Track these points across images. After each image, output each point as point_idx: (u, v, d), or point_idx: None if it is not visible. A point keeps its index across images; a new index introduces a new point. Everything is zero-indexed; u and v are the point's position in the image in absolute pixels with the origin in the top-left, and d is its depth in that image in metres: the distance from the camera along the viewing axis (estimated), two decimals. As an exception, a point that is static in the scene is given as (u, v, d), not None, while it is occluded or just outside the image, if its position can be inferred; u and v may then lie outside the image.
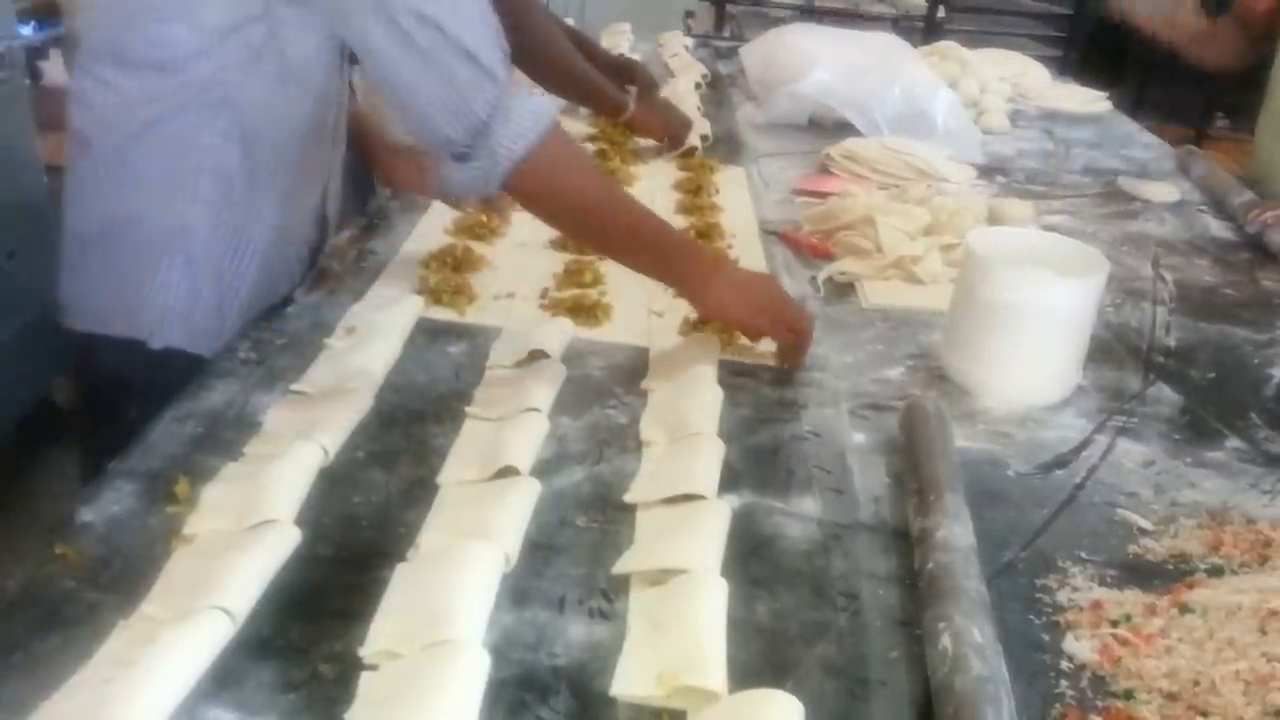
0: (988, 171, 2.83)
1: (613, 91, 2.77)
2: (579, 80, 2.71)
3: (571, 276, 1.89)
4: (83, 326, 1.68)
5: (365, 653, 1.01)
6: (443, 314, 1.74)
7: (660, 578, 1.13)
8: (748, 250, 2.11)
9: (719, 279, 1.61)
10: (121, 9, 1.53)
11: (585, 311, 1.76)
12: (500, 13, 1.80)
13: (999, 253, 1.62)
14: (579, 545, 1.21)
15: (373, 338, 1.59)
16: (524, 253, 2.02)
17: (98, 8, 1.58)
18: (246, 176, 1.61)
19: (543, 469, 1.34)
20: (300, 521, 1.18)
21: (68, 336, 1.70)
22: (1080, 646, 1.10)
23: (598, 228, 1.63)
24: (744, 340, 1.69)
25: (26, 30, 3.57)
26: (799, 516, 1.29)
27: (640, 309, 1.81)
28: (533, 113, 1.50)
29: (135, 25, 1.51)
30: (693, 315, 1.75)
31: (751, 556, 1.21)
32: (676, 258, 1.62)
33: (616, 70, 2.95)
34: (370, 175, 2.24)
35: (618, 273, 1.93)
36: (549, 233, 2.07)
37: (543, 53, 2.58)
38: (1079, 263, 1.61)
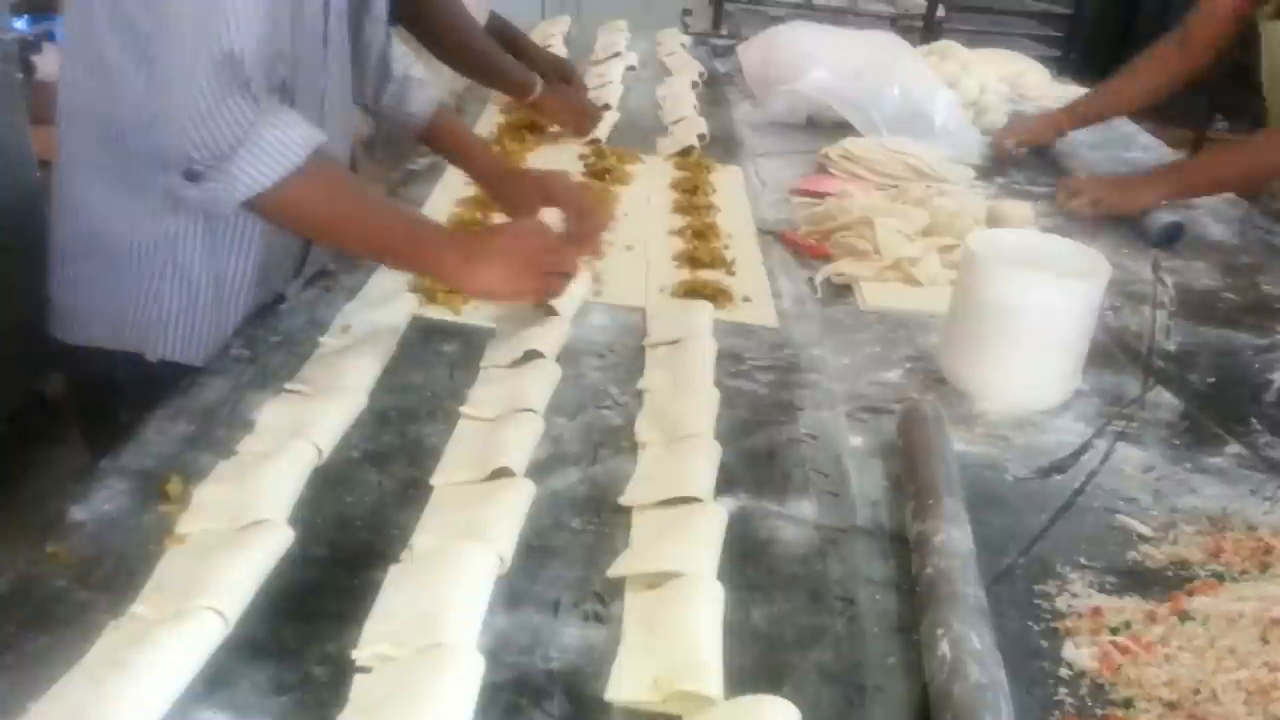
0: (986, 172, 2.82)
1: (519, 73, 2.77)
2: (482, 59, 2.72)
3: (568, 275, 1.88)
4: (74, 339, 1.67)
5: (358, 655, 1.00)
6: (437, 313, 1.73)
7: (656, 581, 1.12)
8: (744, 250, 2.10)
9: (475, 263, 1.56)
10: (98, 8, 1.48)
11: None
12: None
13: (998, 254, 1.61)
14: (574, 548, 1.21)
15: (367, 336, 1.58)
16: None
17: (73, 13, 1.54)
18: None
19: (537, 470, 1.33)
20: (293, 521, 1.17)
21: (59, 344, 1.69)
22: (1079, 654, 1.09)
23: (337, 245, 1.70)
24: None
25: (20, 24, 3.56)
26: (795, 520, 1.29)
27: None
28: (285, 145, 1.43)
29: (108, 28, 1.47)
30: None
31: (747, 560, 1.20)
32: (430, 256, 1.58)
33: (551, 67, 3.01)
34: None
35: (615, 273, 1.93)
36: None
37: (446, 30, 2.60)
38: (1079, 265, 1.60)
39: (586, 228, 1.82)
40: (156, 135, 1.42)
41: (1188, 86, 2.87)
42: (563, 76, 3.03)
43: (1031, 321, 1.56)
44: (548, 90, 2.79)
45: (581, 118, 2.83)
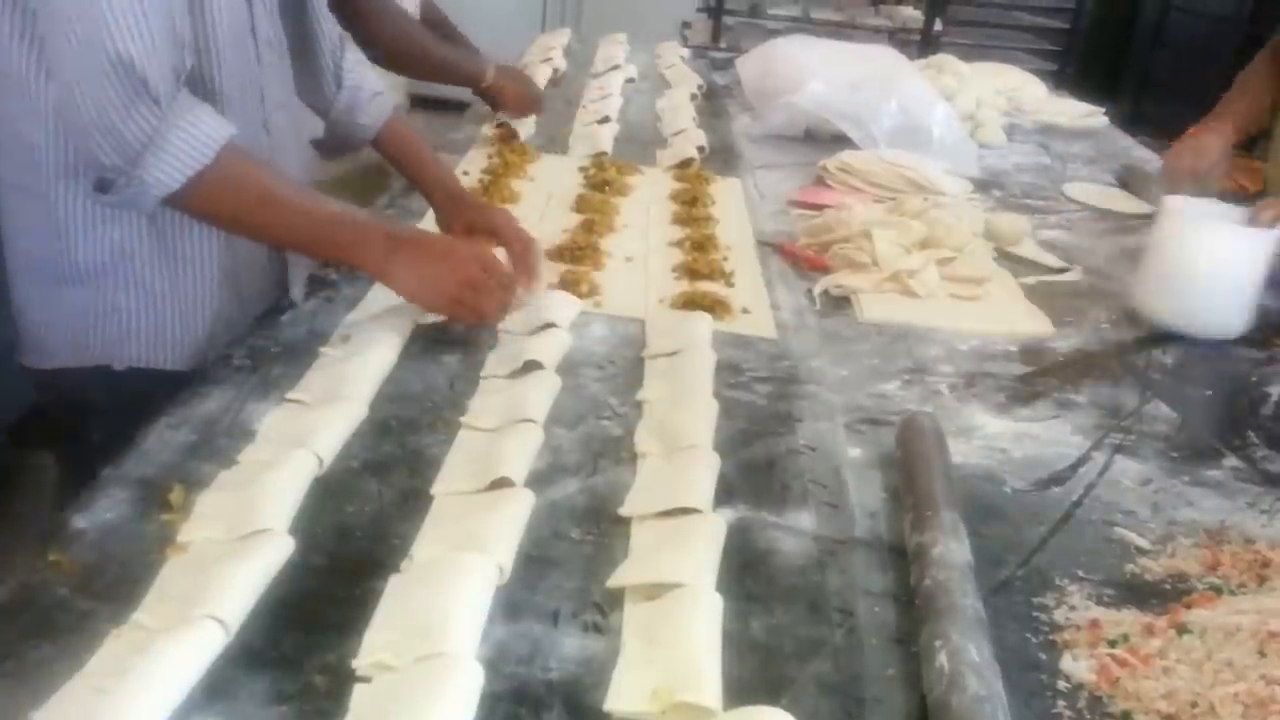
0: (984, 185, 2.83)
1: (468, 63, 2.77)
2: (425, 56, 2.70)
3: (568, 286, 1.88)
4: (44, 364, 1.65)
5: (358, 665, 1.00)
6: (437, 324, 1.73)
7: (655, 592, 1.12)
8: (743, 262, 2.11)
9: (399, 258, 1.58)
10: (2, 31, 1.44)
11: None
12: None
13: (1195, 214, 2.06)
14: (573, 558, 1.21)
15: (368, 346, 1.58)
16: (520, 262, 2.02)
17: None
18: None
19: (537, 480, 1.33)
20: (294, 531, 1.18)
21: (32, 375, 1.67)
22: (1078, 666, 1.09)
23: (259, 237, 1.64)
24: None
25: None
26: (794, 531, 1.29)
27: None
28: (191, 145, 1.41)
29: (15, 41, 1.43)
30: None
31: (746, 571, 1.20)
32: (354, 244, 1.58)
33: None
34: None
35: (613, 284, 1.93)
36: (544, 243, 2.07)
37: (385, 35, 2.58)
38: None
39: (522, 270, 1.80)
40: (69, 148, 1.43)
41: None
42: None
43: (1223, 265, 1.95)
44: (499, 74, 2.79)
45: (529, 100, 2.87)
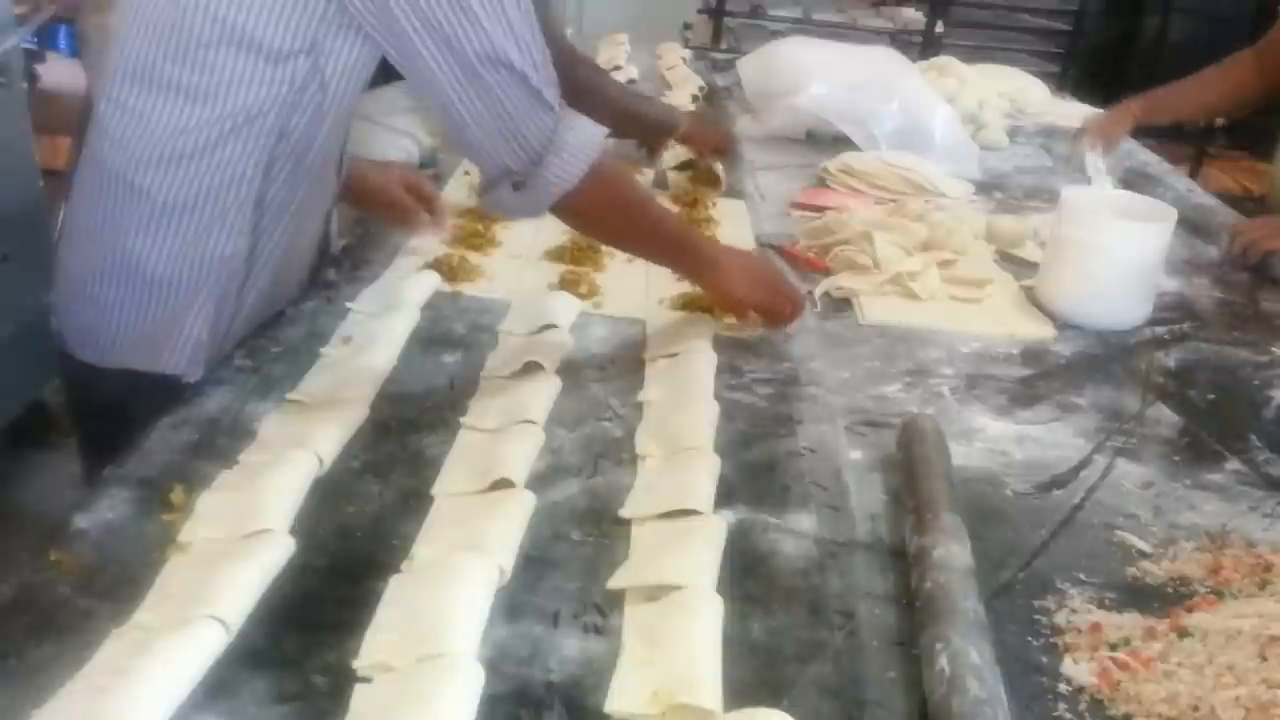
0: (985, 187, 2.83)
1: (663, 113, 2.69)
2: (625, 113, 2.58)
3: (567, 288, 1.88)
4: (91, 358, 1.62)
5: (359, 665, 1.00)
6: (438, 325, 1.74)
7: (655, 593, 1.12)
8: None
9: (725, 268, 1.73)
10: (165, 32, 1.46)
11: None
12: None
13: (1089, 206, 2.06)
14: (574, 559, 1.21)
15: (368, 347, 1.58)
16: (519, 264, 2.02)
17: (136, 29, 1.49)
18: (269, 206, 1.58)
19: (537, 482, 1.33)
20: (295, 531, 1.18)
21: (67, 359, 1.65)
22: (1079, 669, 1.09)
23: (628, 240, 1.76)
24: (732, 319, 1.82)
25: (25, 33, 3.55)
26: (795, 533, 1.29)
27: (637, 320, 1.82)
28: (583, 144, 1.52)
29: (178, 49, 1.45)
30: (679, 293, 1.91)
31: (747, 573, 1.20)
32: (692, 255, 1.73)
33: None
34: None
35: (614, 285, 1.93)
36: (544, 244, 2.08)
37: (586, 91, 2.42)
38: (1150, 213, 2.01)
39: None
40: (477, 156, 1.53)
41: (1266, 101, 2.75)
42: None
43: (1117, 256, 1.94)
44: (691, 121, 2.67)
45: (723, 140, 2.78)
